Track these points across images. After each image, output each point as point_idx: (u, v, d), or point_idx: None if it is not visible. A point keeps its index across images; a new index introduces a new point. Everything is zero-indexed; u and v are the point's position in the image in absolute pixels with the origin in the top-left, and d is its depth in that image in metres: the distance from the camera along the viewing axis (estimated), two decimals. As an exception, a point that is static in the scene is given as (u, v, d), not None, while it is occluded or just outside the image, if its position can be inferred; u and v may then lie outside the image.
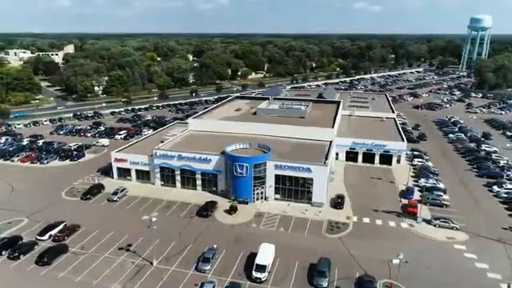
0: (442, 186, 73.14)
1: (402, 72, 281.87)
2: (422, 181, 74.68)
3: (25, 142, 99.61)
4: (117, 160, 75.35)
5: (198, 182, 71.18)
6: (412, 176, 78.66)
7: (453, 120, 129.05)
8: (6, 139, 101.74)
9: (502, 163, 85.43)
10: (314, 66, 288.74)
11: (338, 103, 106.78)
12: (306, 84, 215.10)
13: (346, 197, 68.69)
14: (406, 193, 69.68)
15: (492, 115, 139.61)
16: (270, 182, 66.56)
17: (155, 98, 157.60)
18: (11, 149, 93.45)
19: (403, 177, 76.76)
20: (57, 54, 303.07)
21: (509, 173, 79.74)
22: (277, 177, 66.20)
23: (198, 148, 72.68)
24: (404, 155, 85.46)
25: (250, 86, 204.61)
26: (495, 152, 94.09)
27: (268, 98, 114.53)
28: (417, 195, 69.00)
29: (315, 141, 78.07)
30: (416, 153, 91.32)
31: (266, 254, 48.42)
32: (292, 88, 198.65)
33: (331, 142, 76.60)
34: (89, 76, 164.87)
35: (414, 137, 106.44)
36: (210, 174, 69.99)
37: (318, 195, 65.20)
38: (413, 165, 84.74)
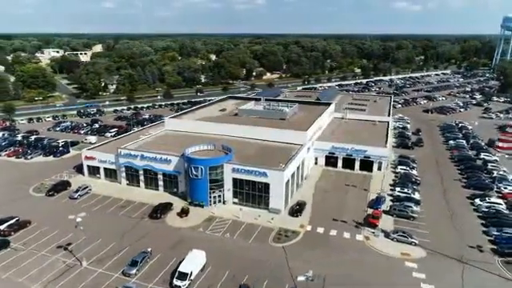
0: (417, 196, 67.98)
1: (425, 74, 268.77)
2: (397, 190, 69.80)
3: (19, 137, 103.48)
4: (86, 158, 76.18)
5: (160, 183, 70.49)
6: (391, 184, 74.21)
7: (460, 125, 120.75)
8: (3, 134, 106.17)
9: (495, 174, 78.38)
10: (333, 66, 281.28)
11: (329, 105, 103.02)
12: (318, 85, 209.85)
13: (309, 204, 65.55)
14: (375, 202, 65.34)
15: (506, 121, 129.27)
16: (228, 185, 64.68)
17: (158, 97, 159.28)
18: (3, 143, 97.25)
19: (381, 185, 72.36)
20: (85, 53, 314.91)
21: (500, 185, 72.95)
22: (234, 180, 64.15)
23: (166, 148, 71.92)
24: (386, 162, 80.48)
25: (259, 87, 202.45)
26: (495, 161, 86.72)
27: (260, 99, 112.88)
28: (387, 205, 64.68)
29: (288, 144, 75.23)
30: (402, 159, 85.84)
31: (191, 261, 46.60)
32: (303, 89, 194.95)
33: (302, 145, 73.42)
34: (98, 74, 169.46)
35: (408, 142, 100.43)
36: (171, 175, 69.07)
37: (275, 201, 62.42)
38: (396, 172, 79.94)
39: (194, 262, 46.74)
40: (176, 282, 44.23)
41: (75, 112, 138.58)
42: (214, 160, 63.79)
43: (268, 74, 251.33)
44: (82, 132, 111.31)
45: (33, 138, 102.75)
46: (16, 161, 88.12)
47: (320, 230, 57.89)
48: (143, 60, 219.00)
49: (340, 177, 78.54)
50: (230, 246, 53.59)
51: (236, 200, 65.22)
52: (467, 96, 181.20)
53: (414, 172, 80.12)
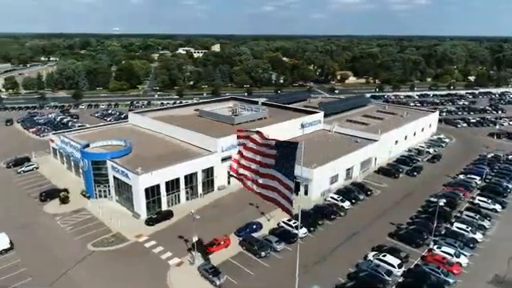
0: (301, 232, 55.13)
1: None
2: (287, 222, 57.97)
3: (58, 118, 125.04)
4: (51, 140, 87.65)
5: (80, 170, 76.02)
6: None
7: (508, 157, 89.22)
8: (53, 115, 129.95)
9: (454, 227, 56.62)
10: (438, 73, 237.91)
11: (312, 114, 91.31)
12: (391, 93, 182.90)
13: (181, 216, 60.84)
14: (244, 228, 56.42)
15: None
16: (112, 182, 65.59)
17: (204, 94, 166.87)
18: (41, 121, 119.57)
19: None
20: (200, 53, 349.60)
21: (439, 244, 52.71)
22: (114, 178, 64.66)
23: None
24: (314, 186, 67.15)
25: (322, 90, 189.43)
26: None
27: (257, 102, 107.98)
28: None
29: (203, 149, 71.17)
30: (352, 188, 69.90)
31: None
32: (371, 97, 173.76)
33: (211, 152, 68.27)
34: (169, 70, 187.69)
35: (400, 169, 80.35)
36: (82, 164, 73.95)
37: (137, 205, 60.45)
38: (326, 201, 66.19)
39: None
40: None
41: (128, 103, 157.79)
42: (96, 155, 65.74)
43: (353, 78, 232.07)
44: (108, 119, 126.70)
45: (65, 120, 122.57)
46: (34, 137, 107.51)
47: (151, 243, 53.78)
48: (234, 59, 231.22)
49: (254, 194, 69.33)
50: (51, 239, 54.93)
51: (118, 198, 65.75)
52: None
53: (345, 204, 64.47)
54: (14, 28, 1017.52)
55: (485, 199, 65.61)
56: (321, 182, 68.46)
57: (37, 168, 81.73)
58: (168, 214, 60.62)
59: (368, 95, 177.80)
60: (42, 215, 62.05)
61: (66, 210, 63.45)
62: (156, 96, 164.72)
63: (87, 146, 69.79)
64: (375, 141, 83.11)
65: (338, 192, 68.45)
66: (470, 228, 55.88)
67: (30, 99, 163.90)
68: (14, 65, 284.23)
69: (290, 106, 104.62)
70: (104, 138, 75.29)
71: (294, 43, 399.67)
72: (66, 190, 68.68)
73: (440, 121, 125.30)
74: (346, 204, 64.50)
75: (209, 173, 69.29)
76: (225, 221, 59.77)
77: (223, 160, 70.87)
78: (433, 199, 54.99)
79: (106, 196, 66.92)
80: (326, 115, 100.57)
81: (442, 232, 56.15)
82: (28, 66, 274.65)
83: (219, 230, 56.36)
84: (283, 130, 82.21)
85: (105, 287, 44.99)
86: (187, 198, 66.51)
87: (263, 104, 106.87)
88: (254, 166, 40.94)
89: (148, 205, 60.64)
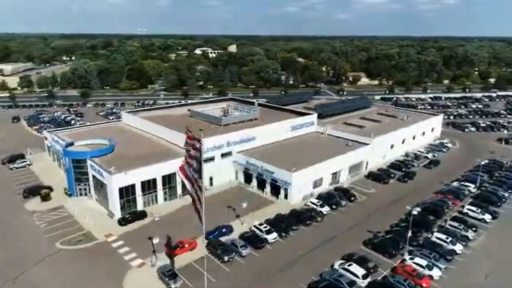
0: (271, 237, 53.67)
1: None
2: (258, 226, 56.55)
3: (62, 117, 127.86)
4: (45, 138, 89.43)
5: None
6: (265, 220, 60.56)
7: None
8: (60, 113, 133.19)
9: (433, 237, 53.67)
10: (457, 75, 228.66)
11: (304, 115, 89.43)
12: (402, 96, 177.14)
13: (150, 217, 60.62)
14: (213, 231, 55.46)
15: None
16: (91, 180, 66.03)
17: (211, 94, 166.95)
18: (46, 119, 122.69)
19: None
20: (215, 53, 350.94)
21: (411, 256, 50.04)
22: (93, 177, 65.04)
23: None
24: (294, 190, 65.32)
25: (331, 91, 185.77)
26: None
27: (253, 103, 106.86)
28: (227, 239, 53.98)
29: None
30: (333, 193, 67.76)
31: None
32: (381, 99, 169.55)
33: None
34: (178, 70, 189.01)
35: (391, 175, 77.40)
36: (68, 162, 74.90)
37: (112, 204, 60.57)
38: (306, 205, 64.34)
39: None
40: None
41: (135, 102, 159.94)
42: (76, 153, 66.36)
43: (366, 80, 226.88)
44: (111, 118, 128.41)
45: (68, 118, 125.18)
46: (36, 134, 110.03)
47: (119, 243, 53.59)
48: (246, 59, 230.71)
49: (237, 196, 68.12)
50: (23, 236, 55.60)
51: (97, 196, 66.15)
52: None
53: (324, 209, 62.26)
54: (44, 29, 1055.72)
55: (474, 208, 62.03)
56: (302, 185, 66.53)
57: (29, 165, 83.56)
58: (141, 215, 60.39)
59: (378, 97, 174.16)
60: (22, 212, 63.14)
61: (46, 207, 64.30)
62: (162, 96, 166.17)
63: (71, 144, 70.60)
64: (366, 144, 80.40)
65: (319, 197, 66.39)
66: (450, 239, 52.80)
67: (42, 97, 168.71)
68: (35, 64, 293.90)
69: (286, 107, 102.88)
70: (95, 136, 75.90)
71: (312, 44, 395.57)
72: (49, 188, 69.67)
73: (447, 124, 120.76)
74: (325, 209, 62.41)
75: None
76: (198, 223, 58.79)
77: (205, 161, 69.84)
78: (408, 207, 52.08)
79: (86, 194, 67.49)
80: (322, 117, 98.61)
81: (421, 242, 53.46)
82: (48, 65, 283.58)
83: (191, 232, 55.53)
84: (272, 131, 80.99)
85: (59, 287, 44.97)
86: (165, 199, 66.15)
87: (259, 105, 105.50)
88: (188, 171, 42.27)
89: (123, 204, 60.58)
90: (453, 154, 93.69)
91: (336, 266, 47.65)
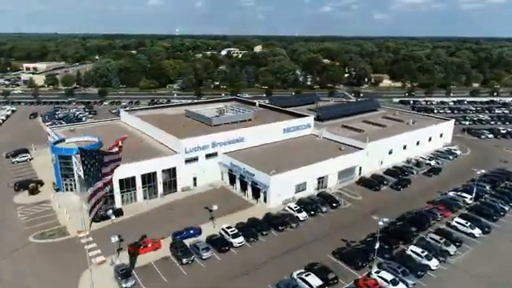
0: (237, 241, 52.45)
1: None
2: (226, 228, 55.48)
3: (75, 114, 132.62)
4: (48, 134, 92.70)
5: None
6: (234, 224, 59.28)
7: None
8: (71, 110, 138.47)
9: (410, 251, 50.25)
10: (488, 78, 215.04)
11: (299, 117, 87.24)
12: (422, 99, 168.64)
13: (131, 214, 61.17)
14: (183, 232, 55.05)
15: None
16: (76, 176, 67.60)
17: (223, 94, 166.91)
18: (60, 115, 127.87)
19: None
20: (239, 53, 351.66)
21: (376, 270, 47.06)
22: (77, 173, 66.51)
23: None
24: (273, 193, 63.57)
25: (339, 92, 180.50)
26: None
27: (254, 104, 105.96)
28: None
29: (171, 149, 71.18)
30: (319, 199, 65.31)
31: None
32: (399, 102, 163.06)
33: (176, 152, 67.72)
34: (196, 70, 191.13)
35: (379, 182, 73.72)
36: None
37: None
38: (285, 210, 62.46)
39: None
40: None
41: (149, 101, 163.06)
42: (62, 149, 68.16)
43: (388, 81, 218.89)
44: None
45: (81, 115, 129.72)
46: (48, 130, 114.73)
47: (88, 239, 53.90)
48: (268, 59, 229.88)
49: (218, 198, 67.22)
50: (2, 229, 57.58)
51: (81, 192, 67.63)
52: None
53: (301, 215, 60.05)
54: (86, 29, 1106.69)
55: (463, 222, 57.67)
56: (282, 189, 64.73)
57: (30, 159, 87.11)
58: (118, 213, 61.03)
59: (396, 100, 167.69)
60: (10, 204, 65.65)
61: (32, 201, 66.59)
62: (175, 95, 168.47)
63: (62, 140, 72.74)
64: (360, 149, 77.12)
65: (299, 202, 64.27)
66: (425, 253, 49.28)
67: (63, 95, 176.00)
68: (68, 63, 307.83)
69: (286, 109, 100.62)
70: (90, 134, 77.80)
71: (340, 44, 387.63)
72: (39, 182, 72.20)
73: (463, 130, 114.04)
74: (302, 215, 60.28)
75: (171, 173, 68.79)
76: (171, 223, 58.58)
77: (187, 161, 70.05)
78: (374, 217, 48.71)
79: (72, 190, 69.25)
80: (323, 119, 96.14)
81: (393, 255, 50.32)
82: (77, 64, 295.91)
83: (162, 232, 55.68)
84: (262, 133, 79.54)
85: (13, 279, 46.04)
86: (145, 197, 66.55)
87: (260, 106, 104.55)
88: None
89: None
90: (459, 162, 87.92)
91: (294, 275, 45.73)
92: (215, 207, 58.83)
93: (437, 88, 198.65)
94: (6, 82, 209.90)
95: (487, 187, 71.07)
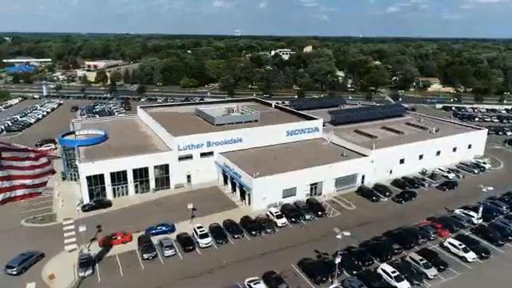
0: (204, 242, 51.84)
1: None
2: (197, 228, 55.17)
3: (110, 109, 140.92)
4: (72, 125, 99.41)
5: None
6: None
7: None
8: (109, 105, 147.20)
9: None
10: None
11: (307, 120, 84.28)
12: (469, 106, 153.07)
13: (119, 206, 63.52)
14: (155, 228, 55.88)
15: None
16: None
17: (254, 94, 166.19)
18: (97, 109, 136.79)
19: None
20: (285, 53, 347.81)
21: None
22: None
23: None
24: (256, 196, 61.88)
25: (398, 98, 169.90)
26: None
27: (271, 105, 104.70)
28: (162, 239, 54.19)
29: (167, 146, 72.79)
30: (307, 206, 62.36)
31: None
32: (442, 108, 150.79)
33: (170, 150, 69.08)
34: (233, 70, 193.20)
35: (378, 193, 68.54)
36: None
37: (83, 191, 64.79)
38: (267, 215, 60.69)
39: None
40: None
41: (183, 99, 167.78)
42: (66, 141, 72.62)
43: (437, 86, 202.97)
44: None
45: (113, 110, 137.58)
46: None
47: (70, 227, 57.24)
48: (312, 60, 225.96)
49: (207, 196, 67.39)
50: (1, 212, 62.27)
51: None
52: None
53: (280, 221, 57.69)
54: (152, 29, 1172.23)
55: (457, 243, 51.54)
56: (267, 193, 62.87)
57: (54, 149, 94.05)
58: (106, 204, 63.63)
59: (439, 106, 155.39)
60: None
61: (39, 187, 71.82)
62: (209, 94, 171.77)
63: (72, 133, 77.74)
64: (364, 156, 72.46)
65: (283, 208, 62.04)
66: (396, 273, 44.80)
67: (107, 91, 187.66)
68: (125, 61, 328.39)
69: (305, 111, 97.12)
70: (107, 128, 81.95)
71: (396, 45, 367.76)
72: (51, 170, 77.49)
73: (504, 142, 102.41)
74: (281, 221, 58.09)
75: (164, 170, 70.13)
76: (153, 218, 59.74)
77: (181, 159, 70.90)
78: (335, 230, 44.59)
79: (75, 179, 73.57)
80: (337, 124, 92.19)
81: (361, 272, 46.44)
82: (132, 62, 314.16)
83: (141, 226, 57.11)
84: (262, 134, 78.04)
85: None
86: (136, 192, 68.59)
87: (276, 107, 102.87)
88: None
89: (91, 192, 64.69)
90: (485, 177, 78.61)
91: (245, 281, 44.14)
92: (190, 206, 58.77)
93: (493, 94, 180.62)
94: (65, 78, 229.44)
95: (504, 207, 62.87)
